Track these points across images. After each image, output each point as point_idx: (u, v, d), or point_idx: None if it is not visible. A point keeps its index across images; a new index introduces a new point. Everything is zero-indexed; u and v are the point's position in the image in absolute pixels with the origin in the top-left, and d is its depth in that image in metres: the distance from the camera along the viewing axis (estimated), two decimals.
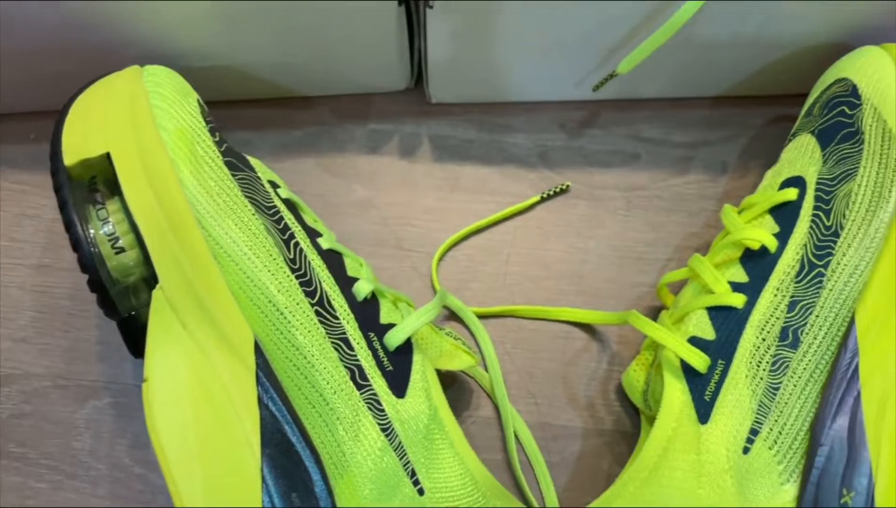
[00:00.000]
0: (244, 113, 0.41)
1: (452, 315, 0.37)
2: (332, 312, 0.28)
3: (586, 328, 0.37)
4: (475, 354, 0.33)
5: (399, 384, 0.28)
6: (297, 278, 0.28)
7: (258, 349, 0.27)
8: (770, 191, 0.33)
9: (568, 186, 0.39)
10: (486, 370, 0.35)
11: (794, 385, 0.27)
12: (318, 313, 0.28)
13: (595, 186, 0.40)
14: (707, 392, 0.29)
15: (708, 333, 0.30)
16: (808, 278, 0.29)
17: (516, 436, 0.34)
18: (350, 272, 0.30)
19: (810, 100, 0.36)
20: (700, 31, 0.36)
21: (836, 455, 0.26)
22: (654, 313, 0.37)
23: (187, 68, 0.36)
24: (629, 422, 0.35)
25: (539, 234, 0.39)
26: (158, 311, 0.27)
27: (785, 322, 0.28)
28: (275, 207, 0.30)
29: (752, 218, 0.32)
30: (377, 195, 0.39)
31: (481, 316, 0.37)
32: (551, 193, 0.39)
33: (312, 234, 0.30)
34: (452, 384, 0.36)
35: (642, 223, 0.39)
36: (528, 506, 0.33)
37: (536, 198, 0.39)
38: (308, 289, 0.28)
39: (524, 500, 0.33)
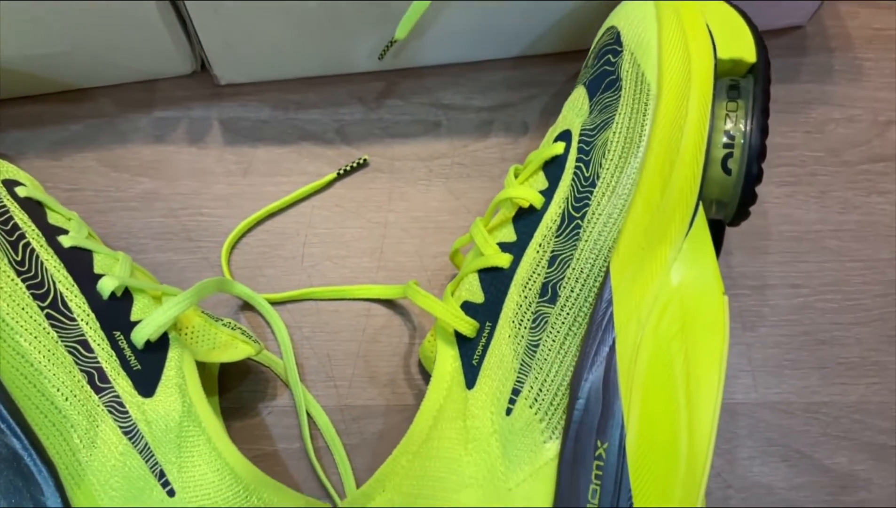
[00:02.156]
0: (18, 111, 0.38)
1: (248, 305, 0.36)
2: (69, 314, 0.27)
3: (388, 303, 0.36)
4: (257, 342, 0.31)
5: (148, 383, 0.27)
6: (24, 281, 0.26)
7: None
8: (545, 147, 0.32)
9: (366, 159, 0.38)
10: (282, 357, 0.34)
11: (553, 341, 0.27)
12: (49, 317, 0.26)
13: (395, 158, 0.39)
14: (475, 357, 0.28)
15: (478, 296, 0.29)
16: (567, 231, 0.28)
17: (313, 422, 0.33)
18: (98, 270, 0.28)
19: (590, 51, 0.35)
20: None
21: (592, 407, 0.26)
22: None
23: None
24: None
25: (338, 212, 0.37)
26: None
27: (545, 278, 0.28)
28: (3, 207, 0.28)
29: (527, 176, 0.32)
30: (164, 186, 0.37)
31: (276, 302, 0.35)
32: (349, 168, 0.38)
33: (53, 232, 0.28)
34: (247, 375, 0.34)
35: (443, 192, 0.38)
36: (328, 493, 0.32)
37: (333, 175, 0.38)
38: (38, 292, 0.26)
39: (322, 487, 0.32)
